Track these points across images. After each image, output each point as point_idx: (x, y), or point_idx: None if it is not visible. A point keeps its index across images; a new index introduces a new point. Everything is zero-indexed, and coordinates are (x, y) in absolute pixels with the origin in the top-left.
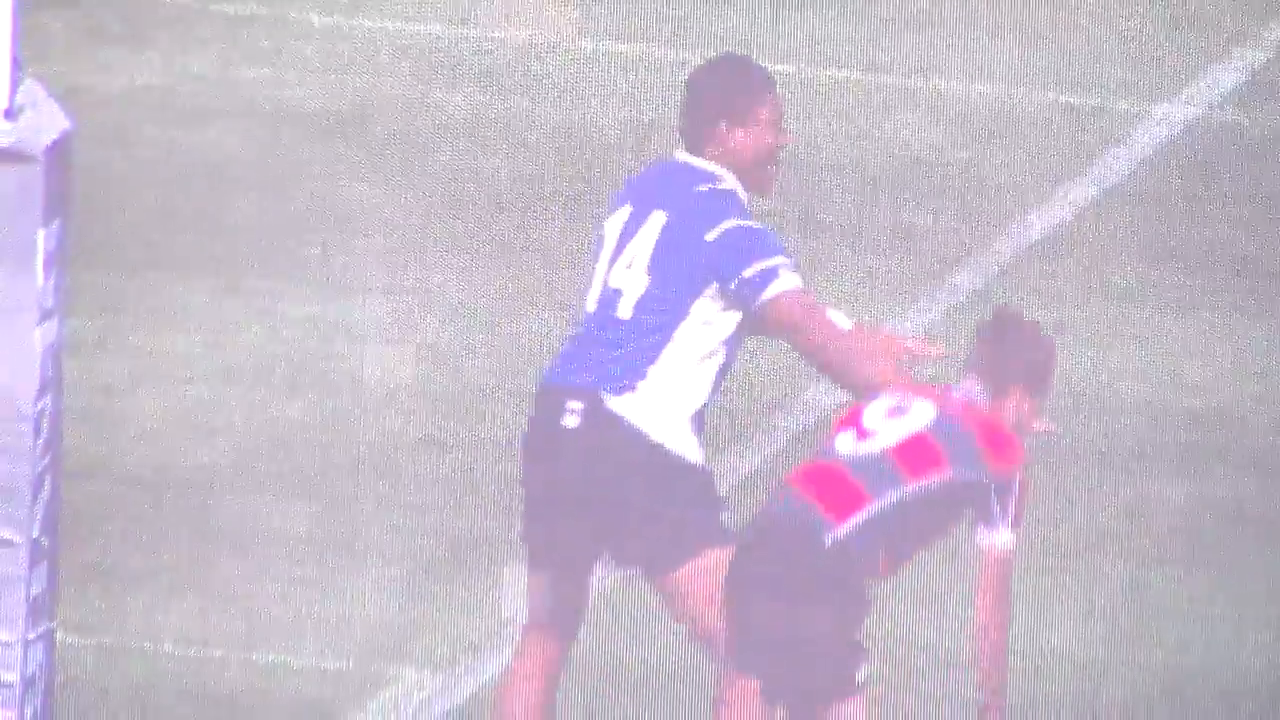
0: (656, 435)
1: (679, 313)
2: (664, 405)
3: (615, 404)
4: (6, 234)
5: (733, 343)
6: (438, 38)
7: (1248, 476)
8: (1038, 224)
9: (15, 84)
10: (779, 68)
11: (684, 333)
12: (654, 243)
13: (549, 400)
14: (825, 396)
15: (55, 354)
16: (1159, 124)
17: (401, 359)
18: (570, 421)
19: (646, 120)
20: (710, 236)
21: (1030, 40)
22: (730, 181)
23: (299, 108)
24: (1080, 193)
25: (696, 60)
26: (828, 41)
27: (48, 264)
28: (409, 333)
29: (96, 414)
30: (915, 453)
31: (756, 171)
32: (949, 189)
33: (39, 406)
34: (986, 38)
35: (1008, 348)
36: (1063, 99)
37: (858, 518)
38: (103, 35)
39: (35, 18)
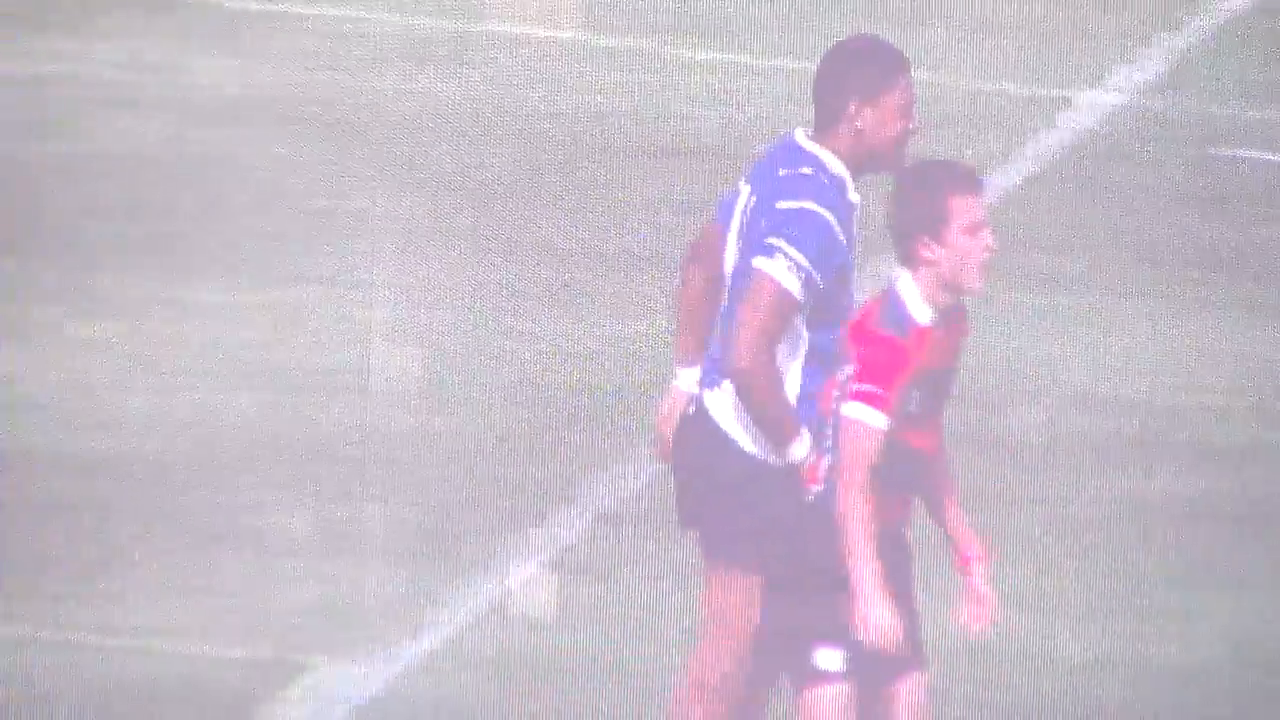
0: (733, 432)
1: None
2: None
3: (708, 398)
4: None
5: (817, 325)
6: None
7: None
8: None
9: None
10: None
11: None
12: (742, 225)
13: None
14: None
15: None
16: (1084, 111)
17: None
18: (691, 409)
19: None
20: (765, 221)
21: (958, 27)
22: (833, 168)
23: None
24: (1009, 179)
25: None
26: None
27: None
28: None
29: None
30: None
31: (885, 152)
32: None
33: None
34: (921, 25)
35: (893, 217)
36: (992, 86)
37: (820, 473)
38: (52, 24)
39: None
